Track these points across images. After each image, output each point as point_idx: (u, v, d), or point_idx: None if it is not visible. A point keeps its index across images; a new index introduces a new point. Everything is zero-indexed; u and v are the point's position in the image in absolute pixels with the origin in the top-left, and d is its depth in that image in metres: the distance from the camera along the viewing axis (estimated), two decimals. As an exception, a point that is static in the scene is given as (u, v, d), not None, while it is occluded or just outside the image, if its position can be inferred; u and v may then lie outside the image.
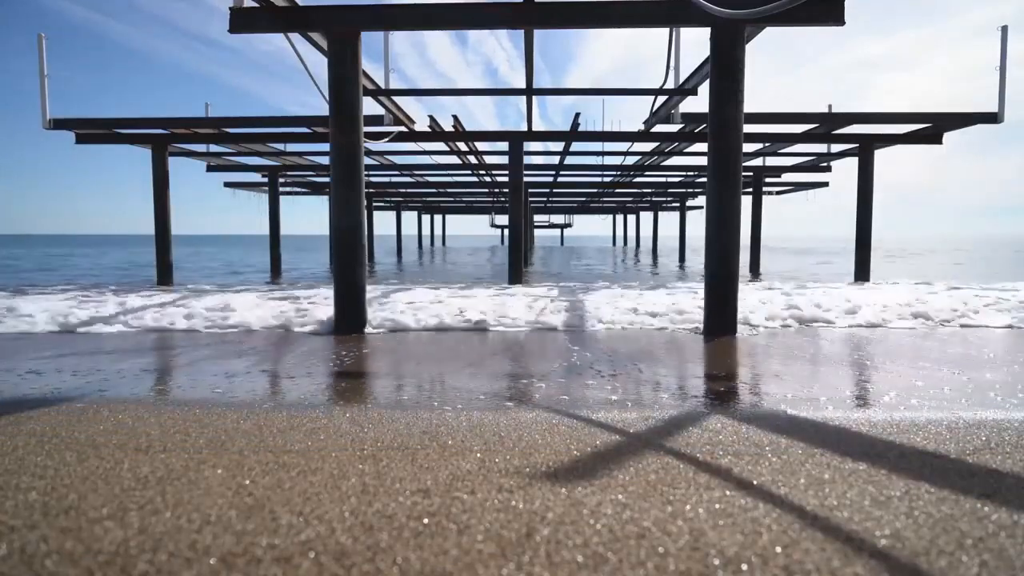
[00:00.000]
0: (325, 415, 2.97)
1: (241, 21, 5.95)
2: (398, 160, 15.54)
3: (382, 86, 8.53)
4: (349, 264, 6.42)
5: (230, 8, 5.91)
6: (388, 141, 10.78)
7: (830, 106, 10.53)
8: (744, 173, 16.29)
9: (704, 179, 18.54)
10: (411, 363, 4.59)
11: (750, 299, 7.84)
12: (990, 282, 11.19)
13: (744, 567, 1.52)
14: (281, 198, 18.02)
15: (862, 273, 12.63)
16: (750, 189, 17.91)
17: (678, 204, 28.11)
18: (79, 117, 10.68)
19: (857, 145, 12.65)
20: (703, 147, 12.29)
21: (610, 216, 46.24)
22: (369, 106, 7.74)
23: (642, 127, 10.88)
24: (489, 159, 15.56)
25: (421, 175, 18.33)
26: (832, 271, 17.56)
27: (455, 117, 10.83)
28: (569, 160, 15.58)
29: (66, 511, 1.84)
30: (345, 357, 4.77)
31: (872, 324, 6.44)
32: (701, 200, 25.70)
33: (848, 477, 2.12)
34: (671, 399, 3.38)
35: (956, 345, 5.18)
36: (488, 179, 18.79)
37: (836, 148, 13.67)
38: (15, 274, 17.60)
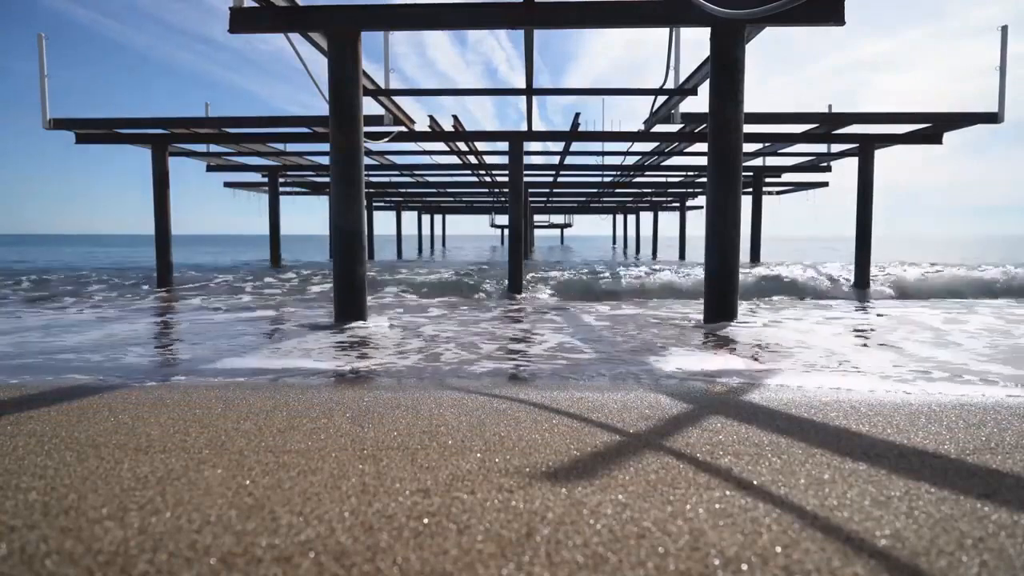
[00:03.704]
0: (325, 415, 2.97)
1: (241, 21, 5.96)
2: (398, 160, 15.54)
3: (382, 86, 8.52)
4: (349, 263, 6.43)
5: (230, 8, 5.91)
6: (388, 141, 10.78)
7: (830, 106, 10.53)
8: (744, 173, 16.29)
9: (704, 179, 18.54)
10: (412, 360, 4.60)
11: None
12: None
13: (744, 567, 1.51)
14: (281, 198, 18.04)
15: (862, 278, 12.60)
16: (750, 189, 17.91)
17: (678, 204, 28.11)
18: (79, 117, 10.68)
19: (857, 145, 12.65)
20: (703, 147, 12.29)
21: (610, 216, 46.21)
22: (369, 106, 7.75)
23: (642, 127, 10.88)
24: (489, 159, 15.56)
25: (421, 175, 18.33)
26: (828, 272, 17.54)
27: (455, 117, 10.83)
28: (569, 160, 15.58)
29: (66, 511, 1.84)
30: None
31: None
32: (701, 200, 25.70)
33: (848, 477, 2.12)
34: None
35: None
36: (488, 179, 18.79)
37: (836, 148, 13.67)
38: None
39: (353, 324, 6.44)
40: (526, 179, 18.21)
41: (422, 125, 11.06)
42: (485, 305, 9.12)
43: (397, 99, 9.31)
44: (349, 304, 6.57)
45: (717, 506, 1.87)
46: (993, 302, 9.33)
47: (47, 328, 6.58)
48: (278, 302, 9.48)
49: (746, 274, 11.31)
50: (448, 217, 46.47)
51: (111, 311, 8.24)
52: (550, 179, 19.11)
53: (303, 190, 22.09)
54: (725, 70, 6.11)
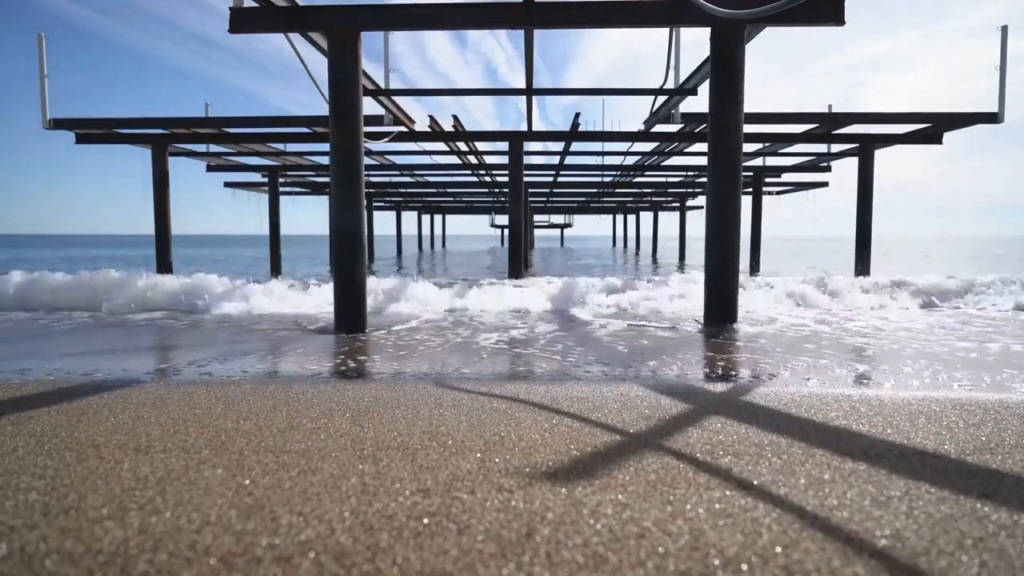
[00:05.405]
0: (325, 415, 2.97)
1: (241, 21, 5.95)
2: (398, 160, 15.54)
3: (382, 86, 8.52)
4: (349, 263, 6.41)
5: (230, 8, 5.90)
6: (388, 141, 10.78)
7: (830, 106, 10.53)
8: (744, 173, 16.30)
9: (704, 179, 18.54)
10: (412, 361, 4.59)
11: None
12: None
13: (744, 567, 1.51)
14: (281, 198, 18.03)
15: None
16: (750, 189, 17.90)
17: (678, 204, 28.12)
18: (79, 117, 10.68)
19: (857, 145, 12.65)
20: (703, 147, 12.29)
21: (610, 216, 46.20)
22: (369, 106, 7.74)
23: (642, 127, 10.88)
24: (489, 159, 15.56)
25: (421, 175, 18.33)
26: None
27: (455, 117, 10.83)
28: (569, 160, 15.59)
29: (66, 511, 1.84)
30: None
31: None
32: (701, 200, 25.70)
33: (848, 477, 2.12)
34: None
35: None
36: (488, 179, 18.79)
37: (836, 148, 13.67)
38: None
39: (353, 323, 6.40)
40: (526, 179, 18.20)
41: (422, 125, 11.06)
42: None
43: (397, 99, 9.31)
44: (349, 307, 6.54)
45: (717, 506, 1.87)
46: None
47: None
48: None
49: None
50: (448, 217, 46.46)
51: (112, 317, 8.24)
52: (550, 179, 19.11)
53: (303, 190, 22.09)
54: (725, 70, 6.11)
